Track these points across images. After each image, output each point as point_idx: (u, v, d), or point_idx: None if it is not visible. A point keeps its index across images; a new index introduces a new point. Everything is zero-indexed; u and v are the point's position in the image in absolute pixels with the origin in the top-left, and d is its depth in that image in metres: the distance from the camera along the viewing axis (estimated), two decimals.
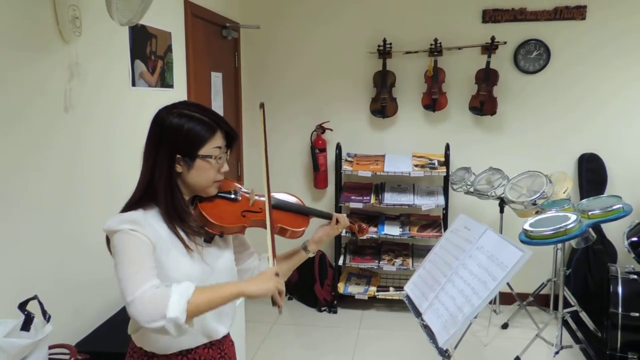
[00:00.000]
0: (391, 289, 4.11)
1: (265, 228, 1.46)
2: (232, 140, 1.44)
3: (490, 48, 3.86)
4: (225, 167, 1.43)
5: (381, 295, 4.02)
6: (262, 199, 1.52)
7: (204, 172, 1.38)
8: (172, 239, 1.35)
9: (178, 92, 3.09)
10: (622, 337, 2.78)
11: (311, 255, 1.69)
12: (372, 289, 4.07)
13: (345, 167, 4.02)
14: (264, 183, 1.51)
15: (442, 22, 3.98)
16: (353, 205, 4.01)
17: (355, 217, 4.17)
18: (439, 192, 4.02)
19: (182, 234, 1.36)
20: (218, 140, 1.38)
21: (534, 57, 3.90)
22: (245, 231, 1.51)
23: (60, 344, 1.84)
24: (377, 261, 4.02)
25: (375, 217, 4.17)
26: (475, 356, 3.43)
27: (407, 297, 2.07)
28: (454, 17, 3.96)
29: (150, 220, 1.33)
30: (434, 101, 3.96)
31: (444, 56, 3.97)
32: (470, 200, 3.94)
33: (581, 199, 3.60)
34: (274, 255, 1.44)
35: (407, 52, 4.03)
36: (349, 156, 4.15)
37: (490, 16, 3.91)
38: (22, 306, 1.61)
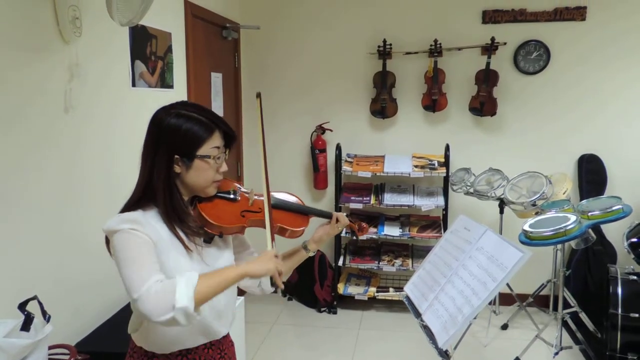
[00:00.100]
0: (391, 289, 4.11)
1: (265, 228, 1.46)
2: (231, 140, 1.44)
3: (490, 49, 3.86)
4: (224, 167, 1.43)
5: (381, 295, 4.02)
6: (262, 198, 1.52)
7: (202, 172, 1.38)
8: (171, 239, 1.35)
9: (178, 93, 3.09)
10: (621, 338, 2.78)
11: (311, 254, 1.69)
12: (372, 290, 4.07)
13: (345, 167, 4.02)
14: (262, 173, 1.51)
15: (442, 22, 3.98)
16: (353, 205, 4.01)
17: (355, 218, 4.17)
18: (439, 193, 4.03)
19: (181, 234, 1.36)
20: (216, 140, 1.38)
21: (534, 58, 3.90)
22: (244, 231, 1.51)
23: (60, 344, 1.84)
24: (376, 262, 4.02)
25: (375, 218, 4.17)
26: (475, 357, 3.43)
27: (407, 297, 2.07)
28: (454, 17, 3.97)
29: (150, 221, 1.33)
30: (433, 102, 3.96)
31: (444, 57, 3.97)
32: (470, 201, 3.95)
33: (581, 199, 3.60)
34: (273, 238, 1.45)
35: (407, 53, 4.03)
36: (348, 157, 4.15)
37: (490, 17, 3.92)
38: (22, 306, 1.61)
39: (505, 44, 3.90)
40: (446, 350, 1.77)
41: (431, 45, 3.93)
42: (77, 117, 2.18)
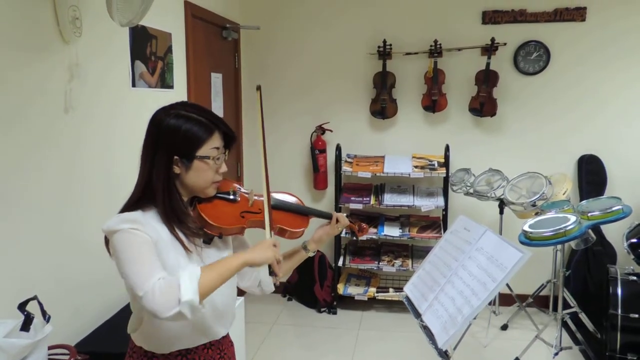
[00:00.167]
0: (391, 290, 4.11)
1: (265, 229, 1.46)
2: (231, 141, 1.44)
3: (490, 49, 3.86)
4: (224, 168, 1.43)
5: (381, 296, 4.02)
6: (261, 199, 1.52)
7: (202, 173, 1.38)
8: (171, 240, 1.35)
9: (178, 93, 3.09)
10: (621, 339, 2.78)
11: (311, 254, 1.69)
12: (372, 290, 4.07)
13: (345, 168, 4.02)
14: (262, 169, 1.51)
15: (442, 23, 3.98)
16: (353, 206, 4.01)
17: (355, 218, 4.17)
18: (439, 193, 4.03)
19: (180, 235, 1.36)
20: (216, 141, 1.38)
21: (533, 58, 3.91)
22: (244, 232, 1.51)
23: (59, 344, 1.84)
24: (376, 262, 4.02)
25: (375, 218, 4.17)
26: (474, 357, 3.43)
27: (407, 298, 2.07)
28: (454, 18, 3.97)
29: (150, 221, 1.33)
30: (433, 102, 3.96)
31: (443, 57, 3.97)
32: (469, 202, 3.95)
33: (581, 200, 3.60)
34: (272, 227, 1.45)
35: (407, 53, 4.03)
36: (348, 157, 4.15)
37: (490, 17, 3.92)
38: (22, 306, 1.61)
39: (505, 44, 3.90)
40: (446, 351, 1.77)
41: (431, 46, 3.93)
42: (77, 117, 2.18)
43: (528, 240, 2.78)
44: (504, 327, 3.78)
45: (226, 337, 1.56)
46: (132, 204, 1.36)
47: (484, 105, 3.90)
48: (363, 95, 4.16)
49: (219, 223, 1.41)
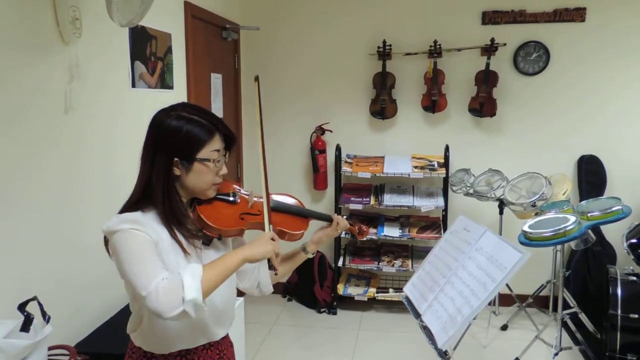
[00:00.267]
0: (390, 290, 4.11)
1: (264, 230, 1.46)
2: (231, 142, 1.44)
3: (489, 50, 3.86)
4: (224, 170, 1.42)
5: (381, 296, 4.02)
6: (261, 200, 1.52)
7: (202, 175, 1.37)
8: (170, 241, 1.35)
9: (178, 94, 3.09)
10: (621, 339, 2.78)
11: (310, 256, 1.69)
12: (372, 290, 4.07)
13: (345, 168, 4.02)
14: (261, 170, 1.51)
15: (442, 23, 3.98)
16: (352, 206, 4.01)
17: (355, 219, 4.17)
18: (439, 194, 4.03)
19: (180, 237, 1.36)
20: (216, 143, 1.38)
21: (533, 58, 3.91)
22: (243, 234, 1.51)
23: (59, 344, 1.84)
24: (376, 262, 4.02)
25: (375, 219, 4.17)
26: (474, 357, 3.43)
27: (406, 298, 2.08)
28: (453, 18, 3.97)
29: (150, 222, 1.33)
30: (433, 103, 3.97)
31: (443, 58, 3.97)
32: (469, 202, 3.95)
33: (580, 200, 3.60)
34: (270, 222, 1.45)
35: (407, 54, 4.03)
36: (348, 157, 4.16)
37: (490, 18, 3.92)
38: (22, 307, 1.61)
39: (504, 44, 3.90)
40: (445, 351, 1.77)
41: (431, 46, 3.93)
42: (77, 118, 2.18)
43: (528, 240, 2.78)
44: (504, 328, 3.78)
45: (226, 338, 1.56)
46: (132, 205, 1.35)
47: (483, 106, 3.90)
48: (363, 96, 4.16)
49: (218, 225, 1.41)
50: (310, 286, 4.13)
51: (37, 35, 1.95)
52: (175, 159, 1.34)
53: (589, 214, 2.92)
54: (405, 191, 4.09)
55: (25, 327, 1.58)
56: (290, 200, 1.64)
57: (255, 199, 1.54)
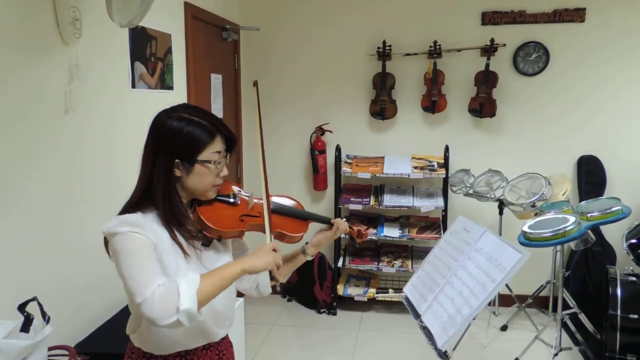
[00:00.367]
0: (390, 290, 4.11)
1: (264, 232, 1.46)
2: (232, 144, 1.44)
3: (489, 50, 3.87)
4: (225, 172, 1.42)
5: (380, 297, 4.02)
6: (261, 202, 1.51)
7: (203, 177, 1.37)
8: (170, 242, 1.35)
9: (178, 94, 3.10)
10: (621, 339, 2.78)
11: (310, 258, 1.69)
12: (372, 291, 4.07)
13: (345, 168, 4.02)
14: (260, 173, 1.51)
15: (442, 24, 3.99)
16: (352, 207, 4.01)
17: (355, 220, 4.17)
18: (438, 194, 4.03)
19: (180, 238, 1.36)
20: (217, 144, 1.38)
21: (533, 59, 3.91)
22: (243, 235, 1.51)
23: (59, 345, 1.84)
24: (376, 263, 4.03)
25: (375, 219, 4.17)
26: (474, 358, 3.43)
27: (406, 298, 2.08)
28: (453, 19, 3.97)
29: (150, 223, 1.32)
30: (433, 103, 3.97)
31: (443, 58, 3.97)
32: (469, 202, 3.95)
33: (580, 200, 3.60)
34: (271, 231, 1.45)
35: (407, 54, 4.03)
36: (348, 158, 4.16)
37: (490, 18, 3.92)
38: (22, 307, 1.61)
39: (504, 45, 3.90)
40: (445, 351, 1.78)
41: (430, 47, 3.94)
42: (77, 118, 2.18)
43: (527, 240, 2.78)
44: (504, 328, 3.78)
45: (225, 338, 1.57)
46: (132, 206, 1.35)
47: (483, 106, 3.91)
48: (363, 96, 4.16)
49: (218, 226, 1.41)
50: (310, 286, 4.13)
51: (37, 35, 1.95)
52: (176, 160, 1.34)
53: (588, 215, 2.92)
54: (405, 192, 4.09)
55: (25, 327, 1.58)
56: (289, 202, 1.64)
57: (255, 200, 1.53)
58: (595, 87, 3.90)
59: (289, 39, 4.19)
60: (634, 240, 2.94)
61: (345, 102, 4.20)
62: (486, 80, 3.88)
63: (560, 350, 3.16)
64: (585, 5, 3.82)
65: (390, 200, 3.96)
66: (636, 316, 2.75)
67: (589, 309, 3.46)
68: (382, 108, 4.03)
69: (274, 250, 1.39)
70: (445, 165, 3.91)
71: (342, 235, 1.75)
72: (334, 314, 4.09)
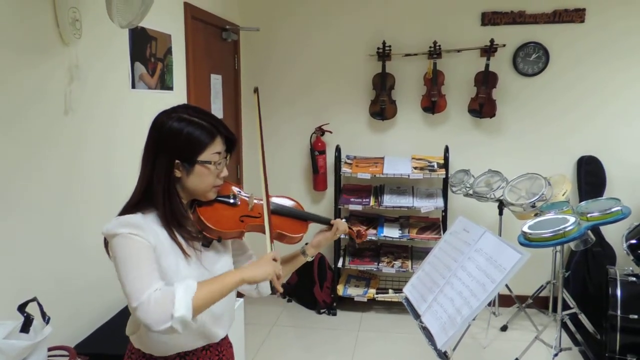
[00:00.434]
0: (390, 291, 4.11)
1: (264, 233, 1.46)
2: (232, 144, 1.44)
3: (489, 51, 3.87)
4: (225, 172, 1.42)
5: (380, 297, 4.02)
6: (261, 202, 1.51)
7: (203, 177, 1.37)
8: (170, 243, 1.35)
9: (178, 95, 3.10)
10: (621, 340, 2.78)
11: (309, 259, 1.69)
12: (372, 291, 4.07)
13: (345, 169, 4.02)
14: (261, 177, 1.51)
15: (442, 24, 3.99)
16: (352, 207, 4.01)
17: (355, 220, 4.17)
18: (438, 195, 4.03)
19: (179, 239, 1.36)
20: (218, 145, 1.38)
21: (533, 59, 3.91)
22: (243, 236, 1.51)
23: (59, 345, 1.84)
24: (376, 263, 4.03)
25: (375, 220, 4.17)
26: (474, 358, 3.43)
27: (406, 299, 2.08)
28: (453, 19, 3.97)
29: (150, 224, 1.32)
30: (433, 103, 3.97)
31: (443, 59, 3.97)
32: (469, 203, 3.95)
33: (580, 201, 3.59)
34: (272, 240, 1.45)
35: (407, 55, 4.04)
36: (348, 158, 4.16)
37: (490, 19, 3.92)
38: (22, 308, 1.61)
39: (504, 45, 3.90)
40: (445, 352, 1.78)
41: (430, 47, 3.94)
42: (77, 119, 2.18)
43: (527, 241, 2.78)
44: (504, 328, 3.78)
45: (225, 339, 1.56)
46: (132, 207, 1.35)
47: (483, 107, 3.91)
48: (362, 97, 4.17)
49: (218, 227, 1.41)
50: (310, 287, 4.13)
51: (37, 36, 1.95)
52: (176, 161, 1.34)
53: (588, 215, 2.92)
54: (404, 192, 4.09)
55: (25, 328, 1.58)
56: (289, 203, 1.64)
57: (255, 201, 1.53)
58: (595, 87, 3.91)
59: (288, 39, 4.19)
60: (633, 241, 2.94)
61: (345, 103, 4.20)
62: (486, 80, 3.88)
63: (560, 350, 3.16)
64: (585, 5, 3.82)
65: (390, 200, 3.96)
66: (636, 316, 2.75)
67: (588, 310, 3.46)
68: (382, 108, 4.03)
69: (274, 259, 1.38)
70: (445, 165, 3.91)
71: (342, 236, 1.75)
72: (334, 314, 4.09)
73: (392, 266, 3.98)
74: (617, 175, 3.95)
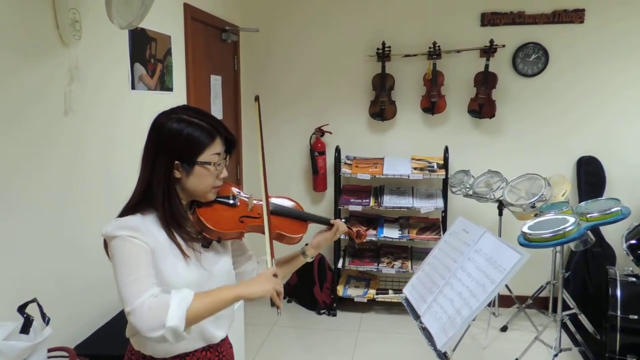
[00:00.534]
0: (390, 291, 4.11)
1: (264, 234, 1.46)
2: (232, 145, 1.44)
3: (489, 51, 3.87)
4: (224, 173, 1.42)
5: (380, 298, 4.02)
6: (261, 203, 1.52)
7: (202, 178, 1.37)
8: (170, 244, 1.35)
9: (177, 96, 3.10)
10: (621, 340, 2.78)
11: (309, 259, 1.69)
12: (371, 292, 4.07)
13: (345, 170, 4.02)
14: (261, 183, 1.51)
15: (441, 25, 3.99)
16: (352, 208, 4.01)
17: (354, 221, 4.17)
18: (438, 195, 4.03)
19: (179, 239, 1.36)
20: (217, 146, 1.38)
21: (532, 60, 3.91)
22: (243, 237, 1.51)
23: (59, 346, 1.84)
24: (376, 264, 4.03)
25: (374, 220, 4.17)
26: (474, 358, 3.43)
27: (406, 299, 2.08)
28: (452, 20, 3.98)
29: (149, 226, 1.33)
30: (432, 104, 3.97)
31: (442, 59, 3.98)
32: (469, 203, 3.95)
33: (580, 201, 3.59)
34: (272, 256, 1.44)
35: (406, 55, 4.04)
36: (348, 159, 4.16)
37: (489, 19, 3.93)
38: (22, 309, 1.61)
39: (504, 46, 3.90)
40: (445, 352, 1.78)
41: (430, 48, 3.94)
42: (76, 120, 2.18)
43: (527, 241, 2.78)
44: (504, 329, 3.78)
45: (225, 340, 1.56)
46: (132, 208, 1.36)
47: (482, 107, 3.91)
48: (362, 97, 4.17)
49: (218, 228, 1.41)
50: (310, 288, 4.13)
51: (37, 37, 1.95)
52: (176, 162, 1.34)
53: (588, 215, 2.92)
54: (404, 192, 4.09)
55: (25, 328, 1.58)
56: (288, 203, 1.64)
57: (255, 202, 1.54)
58: (594, 87, 3.91)
59: (288, 40, 4.19)
60: (633, 241, 2.94)
61: (344, 103, 4.20)
62: (485, 81, 3.88)
63: (560, 351, 3.16)
64: (585, 6, 3.82)
65: (389, 201, 3.96)
66: (636, 317, 2.75)
67: (588, 310, 3.46)
68: (382, 109, 4.03)
69: (275, 275, 1.36)
70: (444, 166, 3.91)
71: (342, 236, 1.75)
72: (334, 315, 4.09)
73: (392, 267, 3.98)
74: (616, 176, 3.95)
